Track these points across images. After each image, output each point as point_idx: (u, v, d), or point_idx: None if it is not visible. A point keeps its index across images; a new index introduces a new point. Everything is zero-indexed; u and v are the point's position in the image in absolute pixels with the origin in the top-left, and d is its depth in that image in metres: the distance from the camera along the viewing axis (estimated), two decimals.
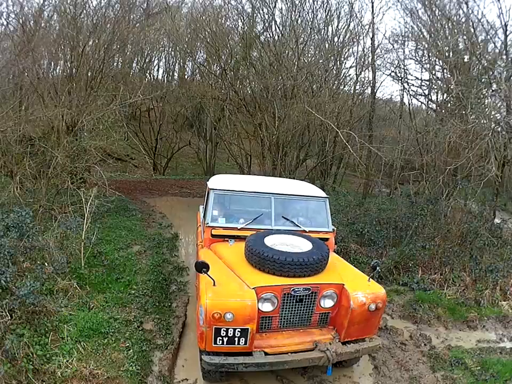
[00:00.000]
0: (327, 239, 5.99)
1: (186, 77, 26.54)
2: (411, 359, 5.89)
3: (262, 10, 17.29)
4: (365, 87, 19.58)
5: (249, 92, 16.96)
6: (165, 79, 28.21)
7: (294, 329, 4.84)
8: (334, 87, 17.30)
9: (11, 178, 10.58)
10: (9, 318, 4.89)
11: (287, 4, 16.83)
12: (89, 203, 7.93)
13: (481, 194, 11.76)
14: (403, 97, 20.93)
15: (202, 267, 4.44)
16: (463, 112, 10.43)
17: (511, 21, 12.53)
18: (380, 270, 5.76)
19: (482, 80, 10.99)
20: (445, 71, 15.35)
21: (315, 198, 6.46)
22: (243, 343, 4.29)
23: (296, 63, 14.97)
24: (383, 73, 20.97)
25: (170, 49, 26.39)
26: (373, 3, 18.52)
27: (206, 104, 20.56)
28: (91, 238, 8.01)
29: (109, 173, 10.90)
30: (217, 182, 6.59)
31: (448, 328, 7.15)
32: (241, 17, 17.74)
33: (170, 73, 28.70)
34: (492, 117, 9.49)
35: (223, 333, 4.21)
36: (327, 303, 4.86)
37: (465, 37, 13.11)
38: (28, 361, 4.51)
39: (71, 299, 6.22)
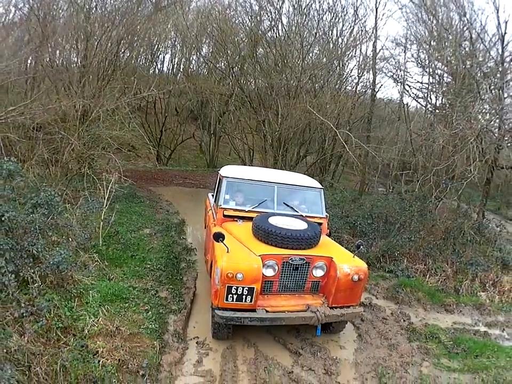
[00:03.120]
0: (320, 224, 6.98)
1: (191, 71, 27.38)
2: (390, 331, 6.86)
3: (269, 10, 18.25)
4: (366, 89, 20.51)
5: (254, 89, 17.79)
6: (172, 73, 28.94)
7: (291, 294, 5.84)
8: (336, 87, 18.23)
9: (23, 163, 11.40)
10: (40, 283, 5.78)
11: (293, 6, 17.80)
12: (109, 188, 8.88)
13: (467, 195, 12.75)
14: (402, 98, 21.91)
15: (219, 237, 5.43)
16: (451, 118, 11.48)
17: (509, 30, 13.59)
18: (364, 250, 6.83)
19: (471, 89, 12.03)
20: (440, 77, 16.40)
21: (312, 188, 7.52)
22: (249, 301, 5.26)
23: (300, 64, 15.91)
24: (386, 74, 21.88)
25: (177, 43, 27.22)
26: (377, 9, 19.48)
27: (211, 99, 21.47)
28: (109, 219, 8.95)
29: (123, 161, 11.80)
30: (229, 171, 7.63)
31: (427, 309, 8.10)
32: (249, 15, 18.67)
33: (176, 67, 29.49)
34: (474, 124, 10.45)
35: (233, 291, 5.17)
36: (318, 273, 5.86)
37: (467, 43, 14.15)
38: (58, 321, 5.30)
39: (92, 271, 7.15)
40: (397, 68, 19.02)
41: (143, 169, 19.89)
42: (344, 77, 19.10)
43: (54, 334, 5.08)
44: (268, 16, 18.50)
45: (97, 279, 6.84)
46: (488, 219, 12.68)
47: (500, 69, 13.00)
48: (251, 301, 5.28)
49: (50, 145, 12.73)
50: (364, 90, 21.00)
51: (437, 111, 16.40)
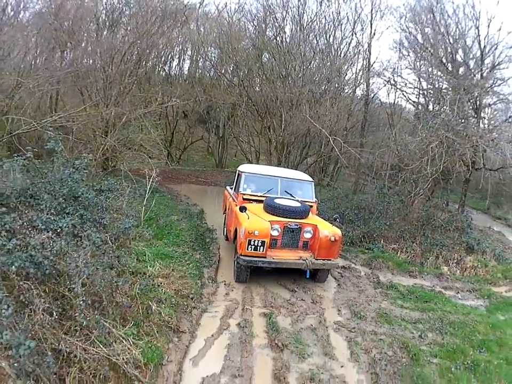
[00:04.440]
0: (311, 206, 10.09)
1: (200, 76, 30.30)
2: (361, 283, 9.86)
3: (272, 22, 21.43)
4: (361, 98, 23.52)
5: (261, 99, 20.80)
6: (181, 78, 31.78)
7: (289, 249, 8.92)
8: (334, 95, 21.21)
9: None
10: (112, 244, 8.68)
11: (295, 24, 20.96)
12: (150, 181, 11.93)
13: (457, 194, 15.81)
14: (395, 103, 25.00)
15: (243, 208, 8.66)
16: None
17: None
18: (339, 221, 10.12)
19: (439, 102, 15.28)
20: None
21: (305, 181, 10.88)
22: (262, 250, 8.29)
23: (301, 77, 19.00)
24: (385, 81, 24.58)
25: (188, 49, 30.41)
26: (371, 24, 22.56)
27: (220, 105, 24.57)
28: (148, 205, 11.94)
29: (154, 160, 14.83)
30: (246, 168, 11.03)
31: (394, 274, 11.07)
32: (253, 24, 21.90)
33: (187, 74, 32.36)
34: (436, 133, 13.59)
35: (252, 243, 8.21)
36: (307, 235, 8.97)
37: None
38: (128, 268, 8.28)
39: (141, 241, 10.14)
40: (392, 74, 22.01)
41: (159, 168, 22.83)
42: (340, 87, 22.10)
43: (128, 275, 7.77)
44: (271, 27, 21.76)
45: (146, 246, 9.82)
46: (458, 212, 15.76)
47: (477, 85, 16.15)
48: (263, 250, 8.31)
49: (88, 145, 15.76)
50: (359, 96, 24.09)
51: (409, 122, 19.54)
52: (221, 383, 5.59)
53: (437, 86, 18.89)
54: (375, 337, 7.23)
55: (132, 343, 5.68)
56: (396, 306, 8.83)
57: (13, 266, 4.81)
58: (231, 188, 11.81)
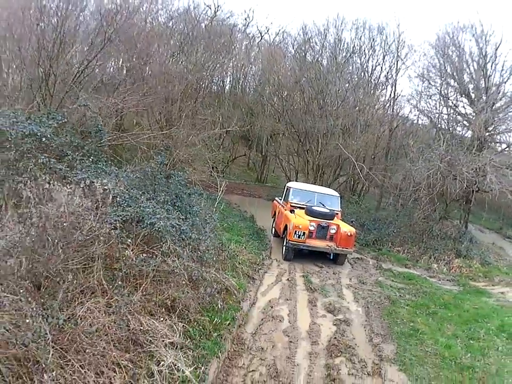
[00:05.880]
0: (337, 213, 15.67)
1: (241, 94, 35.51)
2: (368, 267, 15.33)
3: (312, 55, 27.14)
4: (385, 130, 28.57)
5: (302, 127, 26.37)
6: (228, 99, 36.44)
7: (320, 239, 14.48)
8: (364, 123, 26.58)
9: None
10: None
11: (332, 59, 26.70)
12: (220, 190, 17.67)
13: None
14: (417, 128, 30.19)
15: (292, 211, 14.53)
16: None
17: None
18: (355, 224, 15.80)
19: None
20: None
21: (333, 195, 16.53)
22: (303, 238, 13.89)
23: (335, 111, 24.74)
24: (413, 106, 28.92)
25: (232, 70, 35.28)
26: (397, 61, 28.13)
27: (265, 128, 29.99)
28: (218, 207, 17.64)
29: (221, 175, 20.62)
30: (293, 184, 16.89)
31: (393, 265, 16.41)
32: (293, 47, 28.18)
33: (229, 92, 37.03)
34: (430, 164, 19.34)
35: (297, 233, 13.81)
36: (332, 231, 14.53)
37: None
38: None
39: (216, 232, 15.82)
40: (418, 101, 27.56)
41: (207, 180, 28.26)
42: (369, 118, 27.35)
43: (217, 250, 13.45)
44: (309, 57, 27.65)
45: (219, 235, 15.35)
46: (460, 227, 21.37)
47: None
48: (304, 238, 13.87)
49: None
50: (386, 124, 29.08)
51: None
52: (280, 302, 10.87)
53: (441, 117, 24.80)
54: (370, 292, 12.47)
55: (230, 278, 11.10)
56: (388, 280, 14.14)
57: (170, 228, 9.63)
58: (280, 199, 17.48)
